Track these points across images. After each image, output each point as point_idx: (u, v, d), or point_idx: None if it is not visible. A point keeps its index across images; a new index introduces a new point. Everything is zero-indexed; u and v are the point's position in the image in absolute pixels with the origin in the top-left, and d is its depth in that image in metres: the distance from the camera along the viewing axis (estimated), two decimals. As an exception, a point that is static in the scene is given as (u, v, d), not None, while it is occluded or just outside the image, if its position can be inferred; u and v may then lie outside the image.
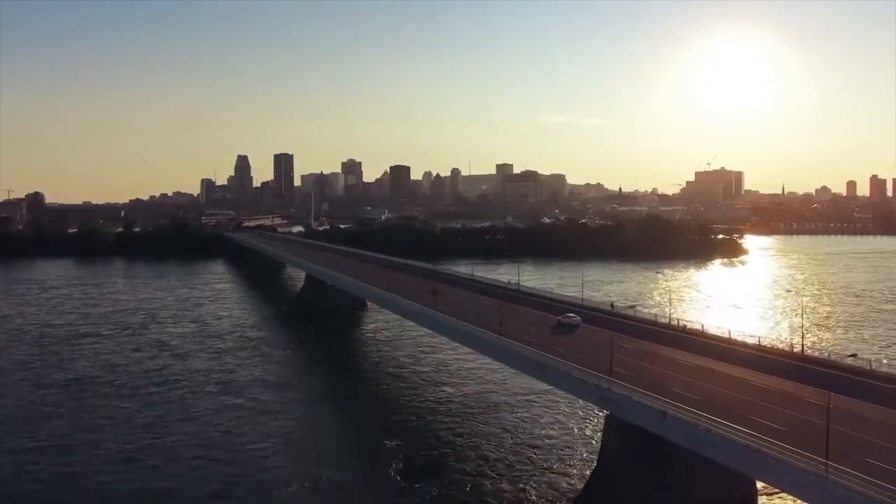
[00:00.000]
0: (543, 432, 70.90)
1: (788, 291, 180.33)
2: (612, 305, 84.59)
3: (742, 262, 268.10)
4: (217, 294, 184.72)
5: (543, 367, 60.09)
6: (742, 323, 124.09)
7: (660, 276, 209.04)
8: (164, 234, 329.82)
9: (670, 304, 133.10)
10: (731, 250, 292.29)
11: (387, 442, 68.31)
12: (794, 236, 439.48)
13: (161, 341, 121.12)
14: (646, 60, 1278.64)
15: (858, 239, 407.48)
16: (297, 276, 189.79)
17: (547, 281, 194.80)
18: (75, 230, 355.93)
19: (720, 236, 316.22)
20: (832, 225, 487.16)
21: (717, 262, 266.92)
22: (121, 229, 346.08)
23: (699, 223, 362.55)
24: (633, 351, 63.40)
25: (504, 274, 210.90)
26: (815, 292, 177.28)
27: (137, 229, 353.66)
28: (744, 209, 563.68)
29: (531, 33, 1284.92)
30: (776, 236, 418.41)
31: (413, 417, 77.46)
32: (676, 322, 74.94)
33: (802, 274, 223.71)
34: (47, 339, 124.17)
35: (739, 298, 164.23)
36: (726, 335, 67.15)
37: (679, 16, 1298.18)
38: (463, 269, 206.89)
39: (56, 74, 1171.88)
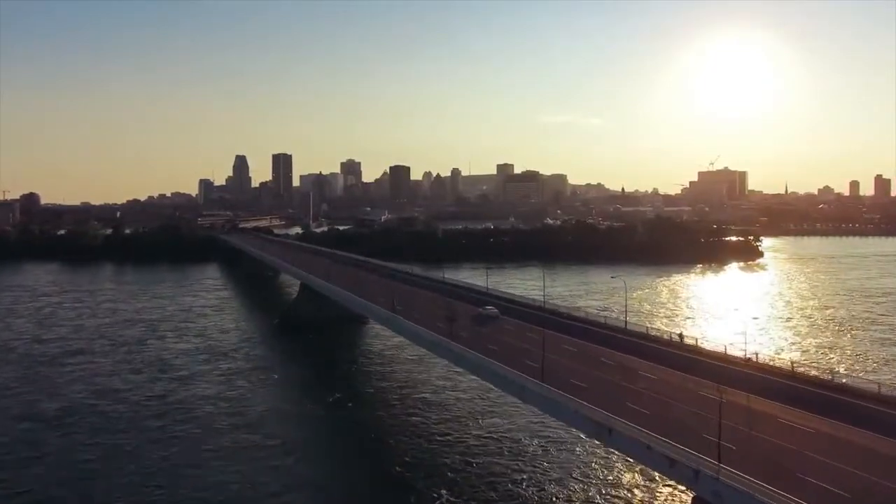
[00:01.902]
0: (620, 487, 60.70)
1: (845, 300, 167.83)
2: (680, 336, 72.15)
3: (762, 267, 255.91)
4: (212, 303, 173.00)
5: (610, 433, 46.46)
6: (811, 344, 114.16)
7: (686, 280, 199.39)
8: (155, 236, 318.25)
9: (716, 322, 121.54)
10: (747, 253, 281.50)
11: (435, 497, 58.03)
12: (804, 237, 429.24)
13: (162, 360, 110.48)
14: (646, 60, 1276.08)
15: (871, 240, 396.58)
16: (294, 282, 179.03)
17: (570, 289, 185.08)
18: (63, 232, 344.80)
19: (734, 238, 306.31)
20: (842, 226, 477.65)
21: (735, 265, 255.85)
22: (109, 231, 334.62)
23: (710, 224, 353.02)
24: (730, 407, 47.21)
25: (521, 281, 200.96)
26: (862, 299, 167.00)
27: (128, 231, 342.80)
28: (750, 209, 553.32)
29: (531, 33, 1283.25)
30: (784, 237, 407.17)
31: (462, 461, 66.31)
32: (755, 357, 61.24)
33: (837, 280, 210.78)
34: (35, 357, 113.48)
35: (786, 310, 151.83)
36: (828, 377, 53.09)
37: (679, 16, 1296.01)
38: (469, 273, 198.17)
39: (56, 74, 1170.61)
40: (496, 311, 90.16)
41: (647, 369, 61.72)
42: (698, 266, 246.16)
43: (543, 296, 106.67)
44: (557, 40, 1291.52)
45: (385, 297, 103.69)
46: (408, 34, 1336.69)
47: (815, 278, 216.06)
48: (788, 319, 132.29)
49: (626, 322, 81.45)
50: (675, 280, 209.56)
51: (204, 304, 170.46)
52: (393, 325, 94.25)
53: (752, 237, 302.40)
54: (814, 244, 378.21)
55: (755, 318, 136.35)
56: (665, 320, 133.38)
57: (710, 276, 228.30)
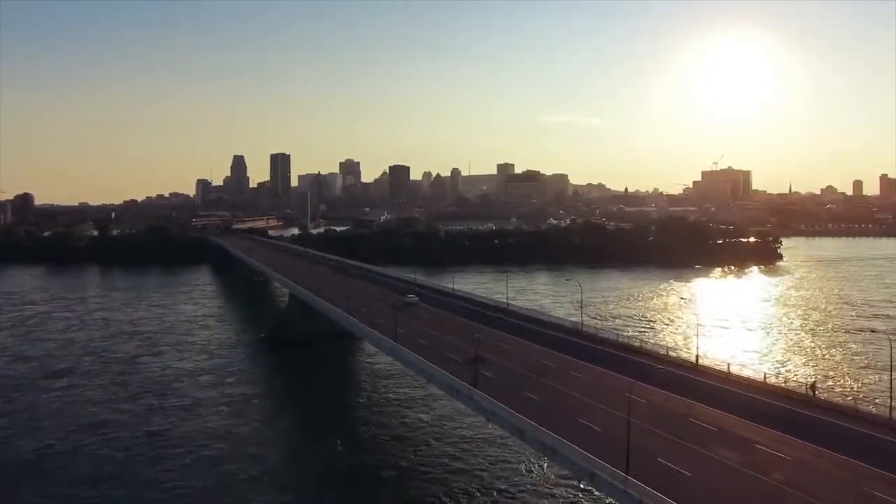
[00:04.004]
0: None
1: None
2: (812, 389, 56.63)
3: (787, 270, 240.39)
4: (208, 312, 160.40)
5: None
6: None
7: (716, 286, 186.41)
8: (143, 238, 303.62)
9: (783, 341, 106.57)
10: (765, 255, 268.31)
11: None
12: (815, 238, 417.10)
13: (158, 383, 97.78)
14: (646, 60, 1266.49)
15: (884, 241, 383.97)
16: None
17: (600, 295, 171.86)
18: (50, 234, 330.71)
19: (752, 239, 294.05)
20: (853, 226, 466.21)
21: (755, 269, 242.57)
22: (96, 233, 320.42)
23: (719, 224, 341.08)
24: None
25: (543, 286, 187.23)
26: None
27: (116, 232, 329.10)
28: (756, 210, 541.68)
29: (531, 33, 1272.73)
30: (795, 238, 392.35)
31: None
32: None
33: (884, 285, 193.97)
34: (14, 379, 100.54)
35: (849, 320, 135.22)
36: None
37: (679, 16, 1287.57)
38: (478, 280, 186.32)
39: (55, 74, 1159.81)
40: (416, 298, 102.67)
41: (768, 441, 44.61)
42: (717, 269, 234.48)
43: (581, 310, 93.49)
44: (557, 40, 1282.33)
45: (386, 319, 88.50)
46: (408, 34, 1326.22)
47: (857, 284, 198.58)
48: (859, 332, 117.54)
49: (697, 357, 63.25)
50: (704, 286, 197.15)
51: (205, 314, 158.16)
52: (398, 356, 78.09)
53: (770, 238, 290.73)
54: (827, 245, 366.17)
55: (822, 331, 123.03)
56: (729, 342, 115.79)
57: (737, 281, 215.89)
